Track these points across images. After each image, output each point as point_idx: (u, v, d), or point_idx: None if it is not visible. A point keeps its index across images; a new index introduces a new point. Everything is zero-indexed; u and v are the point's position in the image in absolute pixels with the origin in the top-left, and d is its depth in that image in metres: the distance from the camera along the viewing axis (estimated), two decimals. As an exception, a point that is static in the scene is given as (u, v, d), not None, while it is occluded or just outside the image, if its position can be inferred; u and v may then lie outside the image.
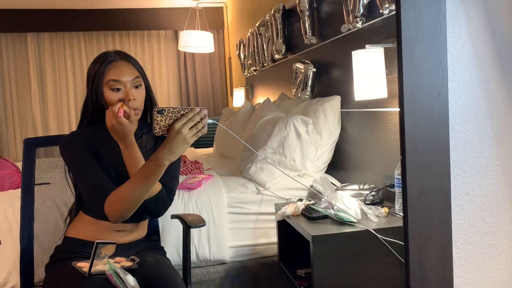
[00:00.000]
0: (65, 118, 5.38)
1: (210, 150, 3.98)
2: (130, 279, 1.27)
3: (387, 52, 1.73)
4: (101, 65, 1.41)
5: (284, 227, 1.88)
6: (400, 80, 0.82)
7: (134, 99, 1.40)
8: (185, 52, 5.56)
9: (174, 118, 1.19)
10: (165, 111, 1.18)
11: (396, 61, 1.69)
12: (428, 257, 0.83)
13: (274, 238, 2.06)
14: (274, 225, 1.99)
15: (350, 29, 2.06)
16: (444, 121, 0.83)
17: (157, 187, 1.40)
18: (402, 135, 0.81)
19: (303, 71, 2.57)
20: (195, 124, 1.19)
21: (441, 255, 0.84)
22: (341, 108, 2.24)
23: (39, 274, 1.58)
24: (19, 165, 2.42)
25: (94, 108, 1.43)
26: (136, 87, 1.43)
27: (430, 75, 0.82)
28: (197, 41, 4.50)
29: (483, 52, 0.92)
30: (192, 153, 3.70)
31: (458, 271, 0.92)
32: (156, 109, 1.17)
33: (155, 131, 1.19)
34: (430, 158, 0.82)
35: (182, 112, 1.19)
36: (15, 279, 1.81)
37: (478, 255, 0.94)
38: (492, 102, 0.93)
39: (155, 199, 1.39)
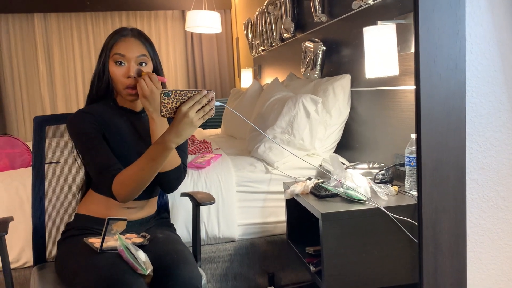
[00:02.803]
0: (73, 99, 5.39)
1: (218, 130, 3.98)
2: (142, 255, 1.28)
3: (399, 28, 1.69)
4: (111, 38, 1.42)
5: (292, 205, 1.88)
6: (416, 51, 0.80)
7: (134, 77, 1.39)
8: (192, 33, 5.51)
9: (181, 100, 1.17)
10: (172, 94, 1.16)
11: (409, 38, 1.67)
12: (442, 232, 0.82)
13: (282, 217, 2.07)
14: (283, 204, 2.00)
15: (361, 6, 2.02)
16: (460, 94, 0.81)
17: (176, 161, 1.42)
18: (418, 107, 0.79)
19: (312, 50, 2.53)
20: (202, 107, 1.18)
21: (455, 229, 0.83)
22: (351, 87, 2.21)
23: (51, 250, 1.60)
24: (29, 145, 2.44)
25: (100, 81, 1.43)
26: (140, 64, 1.42)
27: (447, 46, 0.80)
28: (204, 21, 4.45)
29: (502, 23, 0.89)
30: (200, 134, 3.70)
31: (471, 246, 0.91)
32: (163, 92, 1.16)
33: (162, 113, 1.18)
34: (446, 131, 0.81)
35: (189, 95, 1.17)
36: (28, 255, 1.84)
37: (491, 229, 0.93)
38: (510, 75, 0.90)
39: (173, 172, 1.41)
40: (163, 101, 1.17)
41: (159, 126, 1.37)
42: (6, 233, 1.38)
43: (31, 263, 1.83)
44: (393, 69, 1.69)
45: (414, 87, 1.72)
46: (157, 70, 1.48)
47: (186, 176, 1.99)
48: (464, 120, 0.84)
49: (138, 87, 1.35)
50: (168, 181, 1.43)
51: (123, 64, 1.40)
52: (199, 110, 1.18)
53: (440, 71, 0.80)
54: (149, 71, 1.44)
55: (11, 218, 1.49)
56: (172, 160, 1.41)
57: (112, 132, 1.42)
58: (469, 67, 0.88)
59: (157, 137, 1.35)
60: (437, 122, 0.81)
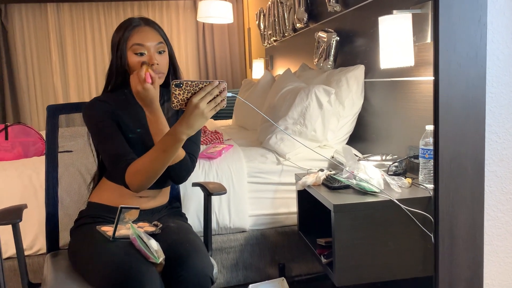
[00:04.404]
0: (85, 89, 5.42)
1: (229, 121, 3.97)
2: (154, 244, 1.29)
3: (415, 18, 1.66)
4: (125, 30, 1.41)
5: (304, 197, 1.87)
6: (436, 39, 0.78)
7: (157, 64, 1.39)
8: (204, 23, 5.49)
9: (192, 91, 1.16)
10: (183, 85, 1.15)
11: (425, 28, 1.64)
12: (458, 224, 0.81)
13: (294, 208, 2.06)
14: (294, 195, 1.99)
15: (376, -5, 1.98)
16: (480, 83, 0.79)
17: (180, 154, 1.41)
18: (436, 96, 0.77)
19: (325, 40, 2.50)
20: (214, 98, 1.17)
21: (472, 222, 0.81)
22: (365, 78, 2.18)
23: (64, 238, 1.62)
24: (42, 134, 2.46)
25: (118, 73, 1.43)
26: (160, 52, 1.42)
27: (467, 34, 0.77)
28: (216, 11, 4.42)
29: (525, 11, 0.87)
30: (212, 125, 3.69)
31: (488, 239, 0.89)
32: (174, 83, 1.15)
33: (173, 104, 1.17)
34: (465, 121, 0.79)
35: (200, 86, 1.16)
36: (41, 242, 1.87)
37: (509, 222, 0.91)
38: (532, 65, 0.88)
39: (179, 166, 1.40)
40: (174, 92, 1.16)
41: (153, 121, 1.36)
42: (20, 220, 1.40)
43: (44, 250, 1.86)
44: (408, 60, 1.66)
45: (429, 78, 1.69)
46: (172, 56, 1.48)
47: (198, 166, 2.00)
48: (483, 111, 0.82)
49: (133, 82, 1.32)
50: (174, 174, 1.42)
51: (144, 54, 1.40)
52: (210, 101, 1.17)
53: (459, 60, 0.78)
54: (166, 59, 1.44)
55: (25, 206, 1.51)
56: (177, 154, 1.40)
57: (127, 121, 1.42)
58: (490, 56, 0.85)
59: (155, 131, 1.35)
60: (455, 112, 0.79)
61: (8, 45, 5.16)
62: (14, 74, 5.21)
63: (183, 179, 1.47)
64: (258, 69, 4.60)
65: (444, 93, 0.78)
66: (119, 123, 1.41)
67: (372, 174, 1.59)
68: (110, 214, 1.45)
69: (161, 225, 1.43)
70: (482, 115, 0.82)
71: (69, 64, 5.34)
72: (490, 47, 0.85)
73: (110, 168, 1.38)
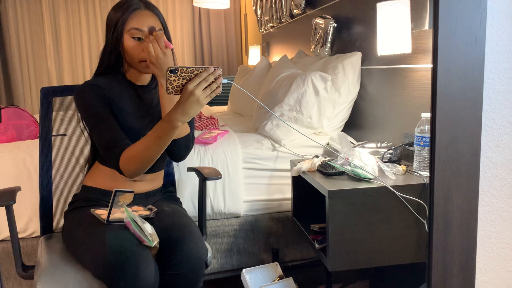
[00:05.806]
0: (80, 73, 5.37)
1: (224, 108, 3.96)
2: (148, 227, 1.29)
3: (413, 4, 1.65)
4: (124, 12, 1.37)
5: (298, 183, 1.88)
6: (435, 22, 0.78)
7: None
8: (200, 8, 5.44)
9: (187, 78, 1.15)
10: (178, 71, 1.13)
11: (423, 15, 1.63)
12: (453, 209, 0.81)
13: (288, 194, 2.07)
14: (289, 181, 1.99)
15: (374, -19, 1.96)
16: (479, 68, 0.78)
17: (185, 129, 1.43)
18: (434, 80, 0.77)
19: (323, 26, 2.49)
20: (209, 85, 1.16)
21: (466, 207, 0.82)
22: (361, 65, 2.18)
23: (58, 221, 1.62)
24: (36, 117, 2.43)
25: (112, 54, 1.41)
26: None
27: (467, 18, 0.77)
28: (212, -4, 4.37)
29: (525, -4, 0.86)
30: (207, 111, 3.68)
31: (482, 224, 0.90)
32: (169, 69, 1.13)
33: (168, 91, 1.16)
34: (462, 106, 0.78)
35: (196, 72, 1.14)
36: (35, 225, 1.86)
37: (503, 208, 0.92)
38: (531, 51, 0.88)
39: (182, 141, 1.42)
40: (169, 78, 1.14)
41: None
42: (14, 202, 1.39)
43: (38, 233, 1.85)
44: (406, 47, 1.66)
45: (426, 65, 1.69)
46: (168, 40, 1.46)
47: (193, 151, 1.99)
48: (481, 96, 0.81)
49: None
50: (178, 149, 1.43)
51: (141, 38, 1.38)
52: (205, 87, 1.16)
53: (459, 44, 0.77)
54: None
55: (19, 188, 1.50)
56: (182, 128, 1.41)
57: (120, 106, 1.41)
58: (488, 41, 0.85)
59: (166, 104, 1.35)
60: (453, 97, 0.78)
61: (1, 27, 5.09)
62: (8, 57, 5.15)
63: (184, 156, 1.48)
64: (254, 56, 4.57)
65: (442, 77, 0.77)
66: (112, 108, 1.39)
67: (366, 161, 1.59)
68: (104, 198, 1.44)
69: (155, 209, 1.43)
70: (480, 100, 0.81)
71: (63, 48, 5.28)
72: (489, 32, 0.85)
73: (104, 154, 1.37)
